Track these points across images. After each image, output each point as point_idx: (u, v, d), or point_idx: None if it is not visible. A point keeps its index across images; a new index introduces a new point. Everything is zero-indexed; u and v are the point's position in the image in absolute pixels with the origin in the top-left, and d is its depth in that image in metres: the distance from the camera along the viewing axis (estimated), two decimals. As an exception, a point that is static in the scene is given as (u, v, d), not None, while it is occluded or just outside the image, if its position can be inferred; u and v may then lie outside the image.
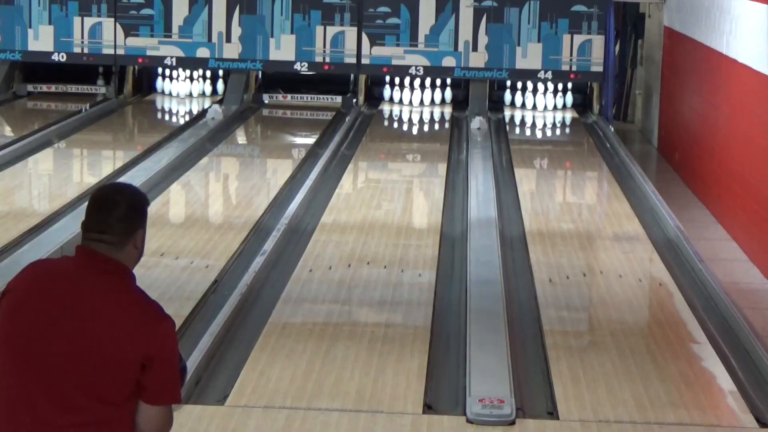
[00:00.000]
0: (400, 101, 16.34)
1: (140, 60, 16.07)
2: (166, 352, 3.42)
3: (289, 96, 16.33)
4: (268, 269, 8.55)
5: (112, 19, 15.94)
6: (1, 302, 3.48)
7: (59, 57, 16.03)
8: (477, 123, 14.39)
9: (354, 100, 16.08)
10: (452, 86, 16.43)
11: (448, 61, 15.88)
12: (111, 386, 3.36)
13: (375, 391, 6.41)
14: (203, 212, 10.75)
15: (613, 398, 6.41)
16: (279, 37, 15.90)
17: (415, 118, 15.86)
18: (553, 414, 6.23)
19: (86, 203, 3.50)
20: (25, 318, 3.41)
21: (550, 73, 15.86)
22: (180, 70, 16.43)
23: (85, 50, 16.01)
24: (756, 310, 8.52)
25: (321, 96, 16.26)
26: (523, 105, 16.30)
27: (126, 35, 15.95)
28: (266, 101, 16.23)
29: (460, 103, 16.27)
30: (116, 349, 3.34)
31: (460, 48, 15.84)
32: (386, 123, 15.69)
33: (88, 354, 3.33)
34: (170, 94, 16.54)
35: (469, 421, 6.04)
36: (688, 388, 6.61)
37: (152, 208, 10.11)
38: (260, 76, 16.60)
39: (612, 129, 14.82)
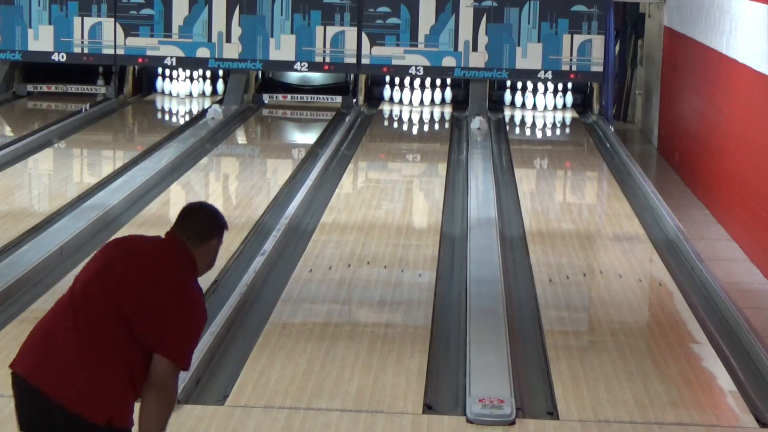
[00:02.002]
0: (400, 101, 16.35)
1: (140, 60, 16.07)
2: (196, 330, 4.32)
3: (289, 96, 16.34)
4: (268, 269, 8.55)
5: (112, 19, 15.94)
6: (98, 253, 4.39)
7: (59, 57, 16.03)
8: (477, 123, 14.40)
9: (354, 100, 16.09)
10: (452, 86, 16.43)
11: (448, 61, 15.88)
12: (149, 338, 4.20)
13: (375, 391, 6.42)
14: (203, 212, 10.71)
15: (613, 398, 6.41)
16: (279, 37, 15.90)
17: (415, 118, 15.86)
18: (553, 414, 6.23)
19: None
20: (110, 265, 4.28)
21: (550, 73, 15.86)
22: (180, 70, 16.43)
23: (85, 50, 16.01)
24: (756, 310, 8.52)
25: (321, 96, 16.26)
26: (523, 105, 16.30)
27: (126, 35, 15.96)
28: (266, 101, 16.23)
29: (460, 103, 16.28)
30: (166, 312, 4.20)
31: (460, 48, 15.84)
32: (386, 123, 15.69)
33: (145, 307, 4.20)
34: (170, 94, 16.55)
35: (469, 421, 6.04)
36: (688, 388, 6.62)
37: (152, 208, 10.13)
38: (260, 76, 16.62)
39: (612, 129, 14.82)
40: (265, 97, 16.26)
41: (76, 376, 4.15)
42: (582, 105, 16.38)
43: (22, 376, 4.22)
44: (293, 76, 16.55)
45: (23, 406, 4.24)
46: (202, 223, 4.37)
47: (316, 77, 16.51)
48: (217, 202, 11.29)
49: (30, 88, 16.31)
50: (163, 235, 4.41)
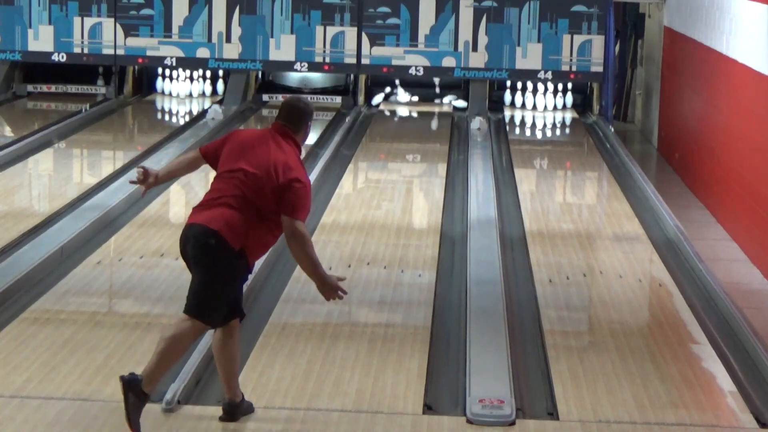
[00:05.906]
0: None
1: (140, 60, 16.08)
2: (296, 191, 5.70)
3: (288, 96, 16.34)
4: (269, 269, 8.55)
5: (112, 19, 15.95)
6: (226, 140, 6.00)
7: (59, 57, 16.04)
8: (477, 123, 14.40)
9: (353, 102, 16.10)
10: (453, 87, 16.45)
11: (448, 61, 15.89)
12: (269, 197, 5.71)
13: (375, 391, 6.42)
14: (203, 212, 10.71)
15: (613, 398, 6.41)
16: (279, 37, 15.91)
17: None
18: (553, 414, 6.23)
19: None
20: (236, 147, 5.90)
21: (550, 73, 15.87)
22: (180, 70, 16.43)
23: (85, 50, 16.02)
24: (756, 310, 8.53)
25: (321, 96, 16.27)
26: (523, 105, 16.30)
27: (126, 35, 15.96)
28: (266, 100, 16.25)
29: (460, 103, 16.29)
30: (275, 176, 5.71)
31: (460, 48, 15.85)
32: (386, 123, 15.69)
33: (262, 174, 5.73)
34: (170, 94, 16.55)
35: (469, 421, 6.04)
36: (688, 388, 6.62)
37: (152, 208, 10.13)
38: (260, 76, 16.61)
39: (612, 129, 14.82)
40: (265, 97, 16.27)
41: (230, 217, 5.73)
42: (582, 105, 16.39)
43: (191, 222, 5.80)
44: (293, 78, 16.55)
45: (187, 237, 5.79)
46: (299, 112, 5.93)
47: (316, 79, 16.50)
48: (217, 202, 11.26)
49: (30, 88, 16.31)
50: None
